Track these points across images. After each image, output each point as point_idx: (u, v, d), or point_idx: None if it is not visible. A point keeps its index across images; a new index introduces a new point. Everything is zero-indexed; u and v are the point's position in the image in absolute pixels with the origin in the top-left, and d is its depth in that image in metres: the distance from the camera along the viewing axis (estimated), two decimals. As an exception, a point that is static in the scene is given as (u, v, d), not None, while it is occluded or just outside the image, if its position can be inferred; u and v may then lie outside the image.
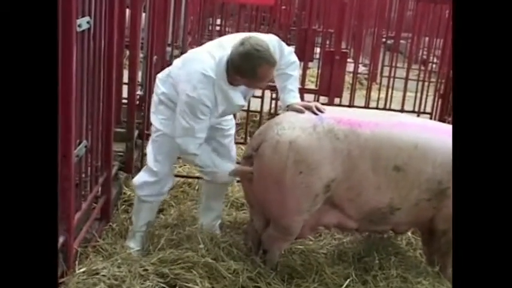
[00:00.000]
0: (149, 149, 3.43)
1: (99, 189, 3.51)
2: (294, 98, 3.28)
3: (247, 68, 3.02)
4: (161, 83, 3.34)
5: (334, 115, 3.10)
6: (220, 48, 3.14)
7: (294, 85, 3.32)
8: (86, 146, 3.06)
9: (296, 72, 3.36)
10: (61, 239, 2.79)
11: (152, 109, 3.40)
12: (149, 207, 3.50)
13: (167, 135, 3.30)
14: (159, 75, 3.41)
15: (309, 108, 3.14)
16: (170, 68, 3.37)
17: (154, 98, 3.38)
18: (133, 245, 3.44)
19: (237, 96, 3.22)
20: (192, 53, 3.30)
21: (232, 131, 3.59)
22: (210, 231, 3.48)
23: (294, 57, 3.32)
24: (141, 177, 3.46)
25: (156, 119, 3.35)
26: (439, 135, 3.12)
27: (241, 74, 3.07)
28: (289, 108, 3.23)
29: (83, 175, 3.12)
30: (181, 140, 3.18)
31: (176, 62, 3.33)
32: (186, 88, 3.09)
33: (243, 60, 3.01)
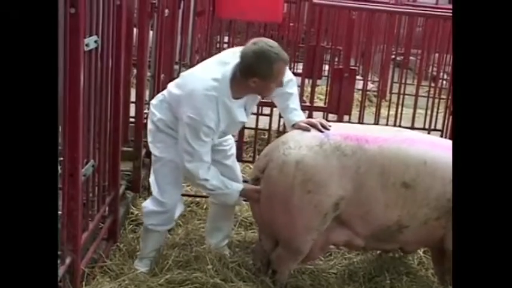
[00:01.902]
0: (152, 180, 3.32)
1: (107, 209, 3.48)
2: (298, 117, 3.24)
3: (262, 65, 2.93)
4: (156, 109, 3.25)
5: (341, 131, 3.06)
6: (221, 65, 3.08)
7: (295, 103, 3.28)
8: (93, 166, 3.04)
9: (295, 89, 3.32)
10: (68, 260, 2.76)
11: (149, 138, 3.30)
12: (157, 235, 3.42)
13: (171, 162, 3.22)
14: (153, 102, 3.33)
15: (314, 126, 3.10)
16: (164, 92, 3.29)
17: (150, 126, 3.28)
18: (141, 266, 3.38)
19: (240, 112, 3.16)
20: (188, 75, 3.22)
21: (233, 150, 3.52)
22: (219, 251, 3.43)
23: (291, 75, 3.27)
24: (148, 206, 3.35)
25: (155, 148, 3.26)
26: (449, 152, 3.06)
27: (255, 73, 2.96)
28: (295, 126, 3.19)
29: (90, 195, 3.10)
30: (190, 166, 3.09)
31: (170, 87, 3.24)
32: (187, 110, 3.01)
33: (258, 57, 2.93)
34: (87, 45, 2.70)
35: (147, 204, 3.36)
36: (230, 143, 3.48)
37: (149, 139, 3.31)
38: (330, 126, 3.11)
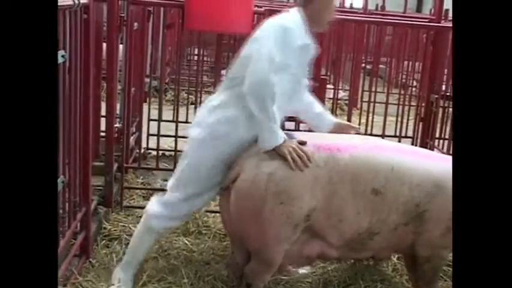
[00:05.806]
0: (185, 187, 3.18)
1: (78, 224, 3.43)
2: (333, 118, 3.49)
3: None
4: (208, 113, 3.13)
5: (313, 142, 3.05)
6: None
7: (321, 107, 3.49)
8: (63, 182, 3.00)
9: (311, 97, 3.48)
10: (39, 278, 2.71)
11: (199, 148, 3.13)
12: (159, 237, 3.35)
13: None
14: (208, 105, 3.16)
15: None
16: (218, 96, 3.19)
17: (201, 134, 3.11)
18: (124, 278, 3.26)
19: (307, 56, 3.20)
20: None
21: None
22: (194, 265, 3.40)
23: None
24: (159, 210, 3.21)
25: (208, 163, 3.12)
26: (414, 157, 3.13)
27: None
28: (337, 126, 3.43)
29: (61, 211, 3.06)
30: (258, 66, 2.88)
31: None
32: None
33: None
34: (54, 60, 2.67)
35: (158, 208, 3.22)
36: None
37: (194, 148, 3.18)
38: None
